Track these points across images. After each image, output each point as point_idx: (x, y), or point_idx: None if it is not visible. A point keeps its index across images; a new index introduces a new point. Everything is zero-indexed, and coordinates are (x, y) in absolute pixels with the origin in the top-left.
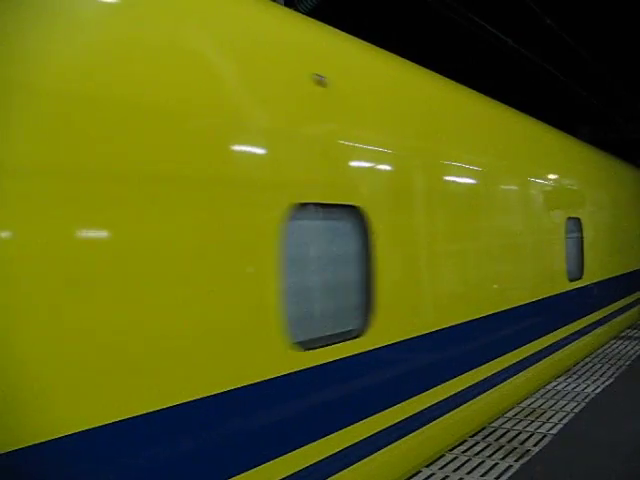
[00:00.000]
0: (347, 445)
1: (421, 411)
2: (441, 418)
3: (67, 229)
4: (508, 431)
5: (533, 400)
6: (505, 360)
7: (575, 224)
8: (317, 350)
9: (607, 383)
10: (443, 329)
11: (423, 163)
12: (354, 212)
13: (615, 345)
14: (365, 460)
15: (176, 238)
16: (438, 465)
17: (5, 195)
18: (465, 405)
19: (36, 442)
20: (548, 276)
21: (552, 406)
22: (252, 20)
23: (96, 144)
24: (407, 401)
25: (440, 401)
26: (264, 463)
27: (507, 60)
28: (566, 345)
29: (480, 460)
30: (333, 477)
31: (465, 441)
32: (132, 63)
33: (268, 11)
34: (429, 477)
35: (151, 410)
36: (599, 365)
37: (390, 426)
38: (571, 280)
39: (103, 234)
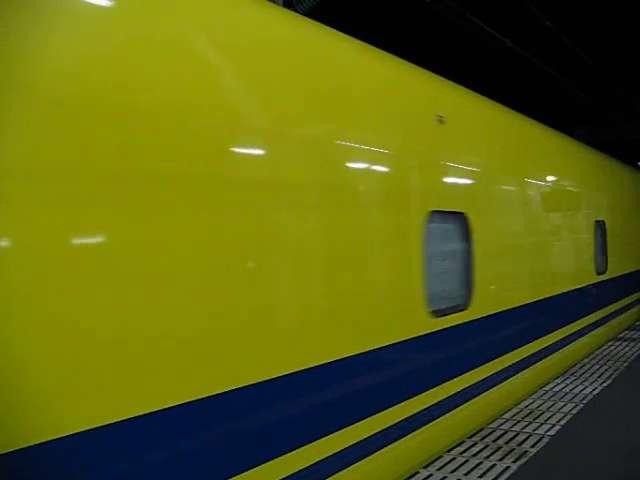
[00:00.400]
0: (465, 386)
1: (506, 367)
2: (529, 369)
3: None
4: (506, 432)
5: (531, 401)
6: (567, 330)
7: (601, 226)
8: (442, 318)
9: (605, 384)
10: (520, 306)
11: (504, 179)
12: (461, 217)
13: (613, 346)
14: (485, 394)
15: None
16: (436, 466)
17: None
18: (545, 360)
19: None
20: (584, 269)
21: (550, 407)
22: (399, 80)
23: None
24: (499, 358)
25: (523, 359)
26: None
27: (504, 60)
28: (597, 327)
29: (478, 461)
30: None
31: (463, 442)
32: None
33: (408, 70)
34: (427, 478)
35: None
36: (597, 366)
37: (487, 377)
38: (598, 274)
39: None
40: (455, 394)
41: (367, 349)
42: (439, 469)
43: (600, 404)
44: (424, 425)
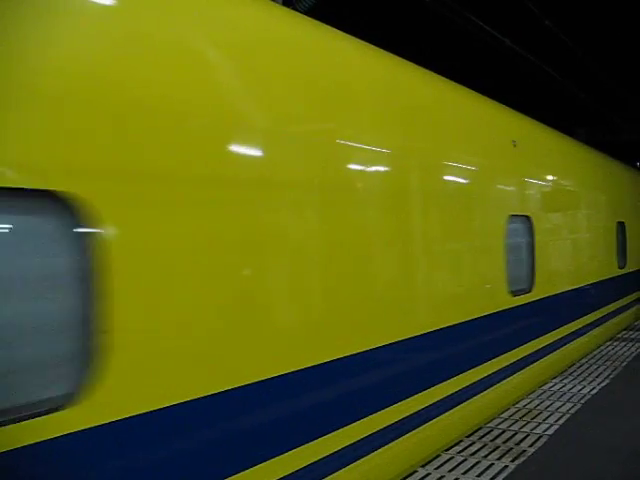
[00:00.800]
0: (537, 349)
1: (561, 337)
2: (578, 338)
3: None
4: (504, 432)
5: (529, 401)
6: (601, 312)
7: (621, 226)
8: (517, 297)
9: (603, 384)
10: (568, 290)
11: (556, 189)
12: (526, 219)
13: (611, 346)
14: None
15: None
16: (434, 465)
17: None
18: (589, 333)
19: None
20: (610, 263)
21: (548, 407)
22: (493, 116)
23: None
24: (555, 331)
25: (572, 332)
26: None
27: (504, 60)
28: (621, 313)
29: (476, 460)
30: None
31: (461, 441)
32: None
33: (494, 108)
34: (425, 477)
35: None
36: (595, 366)
37: (549, 343)
38: (619, 268)
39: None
40: (529, 355)
41: (477, 316)
42: (437, 468)
43: (598, 404)
44: (519, 371)
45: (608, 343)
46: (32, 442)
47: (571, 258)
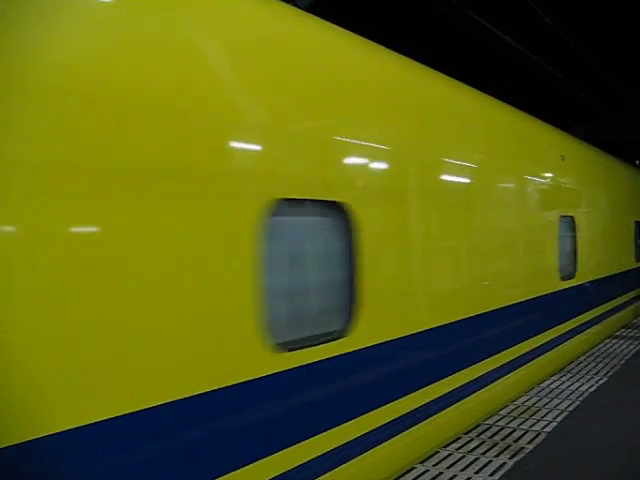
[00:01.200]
0: (582, 322)
1: (597, 316)
2: (610, 317)
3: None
4: (502, 429)
5: (527, 398)
6: (625, 297)
7: (638, 225)
8: (565, 281)
9: (601, 382)
10: (601, 277)
11: (593, 194)
12: (571, 219)
13: (610, 344)
14: (588, 330)
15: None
16: (432, 462)
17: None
18: (617, 313)
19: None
20: (630, 257)
21: (546, 404)
22: (550, 136)
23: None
24: (592, 310)
25: (606, 311)
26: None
27: (504, 58)
28: (636, 302)
29: (474, 457)
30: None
31: (459, 438)
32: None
33: (549, 128)
34: (423, 473)
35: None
36: (593, 364)
37: (587, 320)
38: (637, 260)
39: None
40: (579, 325)
41: (537, 295)
42: (435, 465)
43: (596, 401)
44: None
45: (607, 341)
46: (326, 357)
47: (602, 251)
